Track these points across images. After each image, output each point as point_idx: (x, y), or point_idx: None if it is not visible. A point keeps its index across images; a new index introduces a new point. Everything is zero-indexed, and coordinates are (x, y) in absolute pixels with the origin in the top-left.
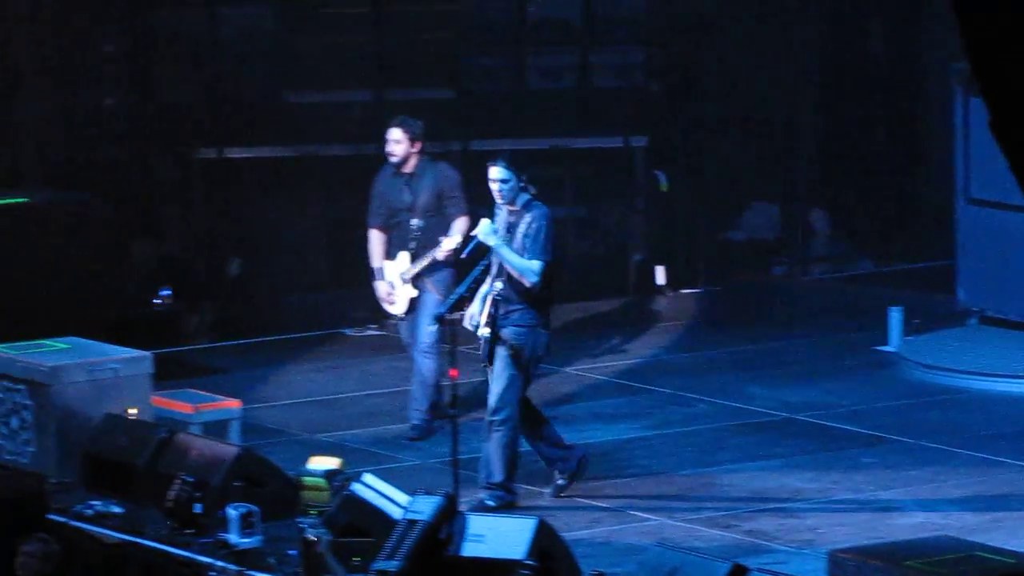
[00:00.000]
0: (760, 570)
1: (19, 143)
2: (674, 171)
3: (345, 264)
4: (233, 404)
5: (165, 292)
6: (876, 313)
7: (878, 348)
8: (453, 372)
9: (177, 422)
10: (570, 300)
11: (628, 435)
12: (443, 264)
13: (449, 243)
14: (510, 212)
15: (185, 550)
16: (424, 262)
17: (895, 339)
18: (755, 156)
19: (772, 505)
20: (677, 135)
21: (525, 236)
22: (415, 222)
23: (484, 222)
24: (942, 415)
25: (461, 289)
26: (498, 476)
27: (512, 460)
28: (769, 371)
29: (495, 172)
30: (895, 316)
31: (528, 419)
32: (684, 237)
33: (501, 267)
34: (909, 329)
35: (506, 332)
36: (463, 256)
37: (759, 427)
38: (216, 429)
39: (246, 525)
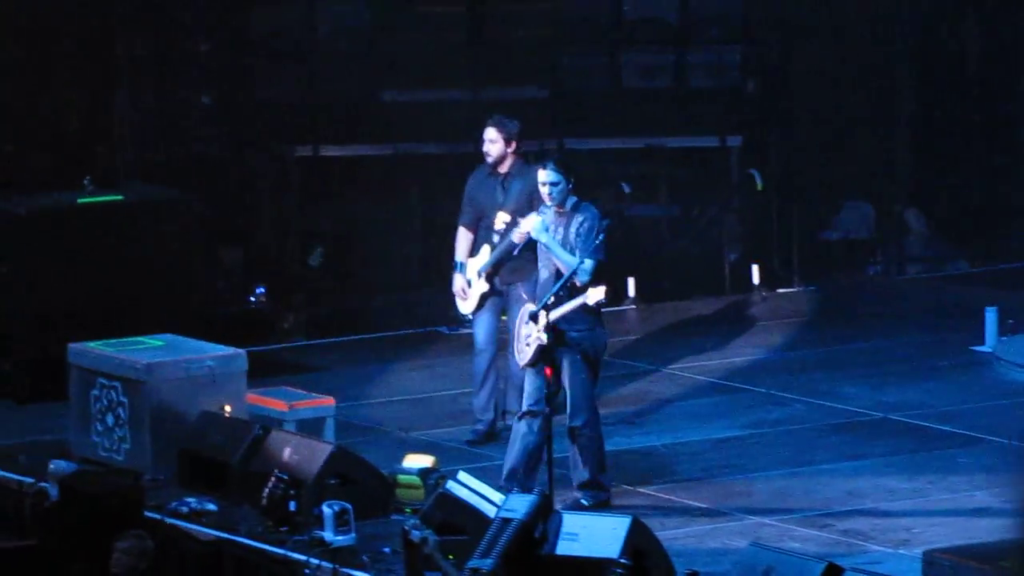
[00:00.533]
0: (855, 570)
1: (116, 141)
2: (769, 170)
3: (441, 263)
4: (327, 402)
5: (260, 290)
6: (972, 313)
7: (974, 348)
8: (547, 370)
9: (272, 420)
10: (665, 299)
11: (723, 434)
12: (524, 263)
13: (527, 224)
14: (558, 214)
15: (279, 547)
16: (501, 248)
17: (991, 339)
18: (850, 155)
19: (867, 505)
20: (772, 134)
21: (577, 235)
22: (503, 218)
23: (535, 218)
24: None
25: (554, 289)
26: (589, 475)
27: (601, 458)
28: (864, 371)
29: (544, 175)
30: (991, 316)
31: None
32: (779, 236)
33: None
34: (1005, 329)
35: (570, 336)
36: (515, 253)
37: (854, 427)
38: (310, 427)
39: (340, 523)
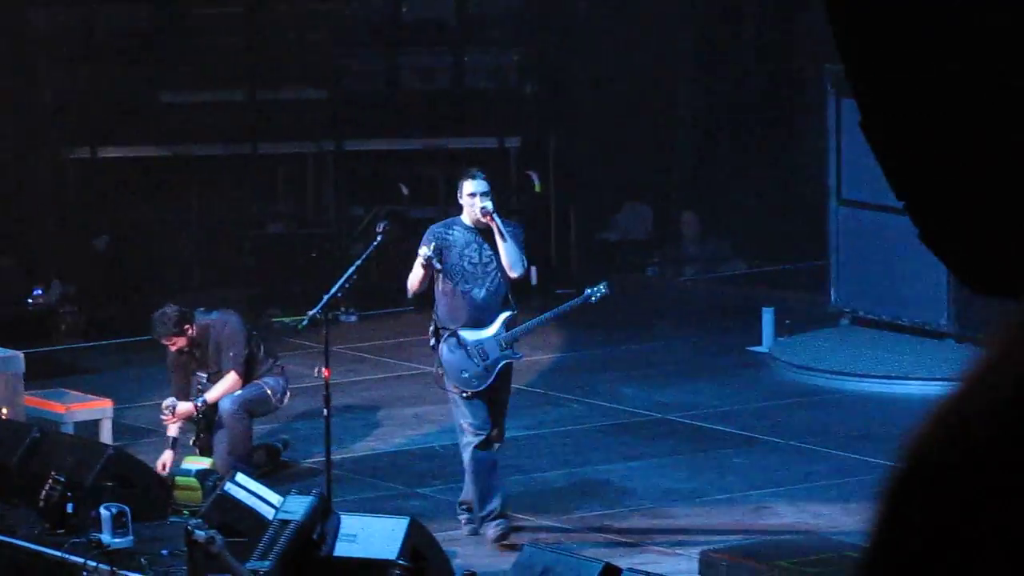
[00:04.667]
0: (632, 570)
1: None
2: (547, 172)
3: (217, 264)
4: (105, 404)
5: (37, 292)
6: (749, 313)
7: (750, 348)
8: (326, 372)
9: (49, 421)
10: None
11: None
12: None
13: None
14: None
15: (57, 550)
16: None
17: (767, 339)
18: (628, 157)
19: (644, 505)
20: (550, 136)
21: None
22: (201, 375)
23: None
24: (813, 415)
25: (333, 290)
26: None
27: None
28: (642, 371)
29: (474, 185)
30: (767, 316)
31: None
32: (558, 238)
33: None
34: (781, 330)
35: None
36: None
37: (632, 427)
38: (88, 429)
39: (118, 525)
